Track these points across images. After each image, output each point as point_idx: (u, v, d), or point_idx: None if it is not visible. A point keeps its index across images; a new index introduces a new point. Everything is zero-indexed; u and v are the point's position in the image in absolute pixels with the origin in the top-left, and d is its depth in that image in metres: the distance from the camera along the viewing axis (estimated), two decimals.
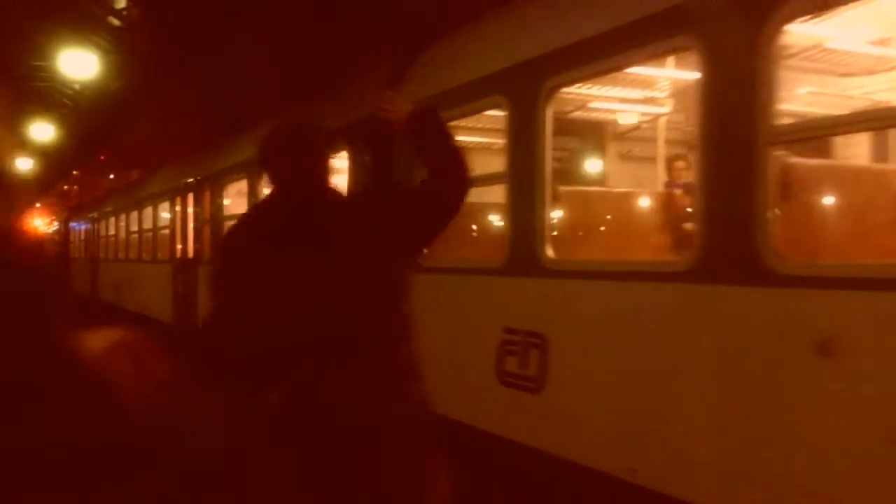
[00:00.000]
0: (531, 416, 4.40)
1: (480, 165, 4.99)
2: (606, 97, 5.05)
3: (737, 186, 3.21)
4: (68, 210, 29.69)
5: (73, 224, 23.95)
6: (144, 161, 27.19)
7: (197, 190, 10.35)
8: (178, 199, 11.14)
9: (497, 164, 4.58)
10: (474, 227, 5.52)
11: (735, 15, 3.22)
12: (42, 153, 35.66)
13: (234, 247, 2.65)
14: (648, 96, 4.98)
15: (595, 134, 5.77)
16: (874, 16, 3.68)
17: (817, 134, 3.48)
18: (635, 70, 4.33)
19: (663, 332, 3.61)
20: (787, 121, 3.46)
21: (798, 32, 3.66)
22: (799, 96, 4.22)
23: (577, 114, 5.43)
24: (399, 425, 2.49)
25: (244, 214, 3.09)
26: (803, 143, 4.10)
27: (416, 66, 5.33)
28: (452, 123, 5.40)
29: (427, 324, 5.27)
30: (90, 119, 33.99)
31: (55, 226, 30.12)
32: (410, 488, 2.51)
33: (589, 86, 4.77)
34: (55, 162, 37.07)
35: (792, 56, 3.87)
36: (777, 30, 3.08)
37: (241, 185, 8.63)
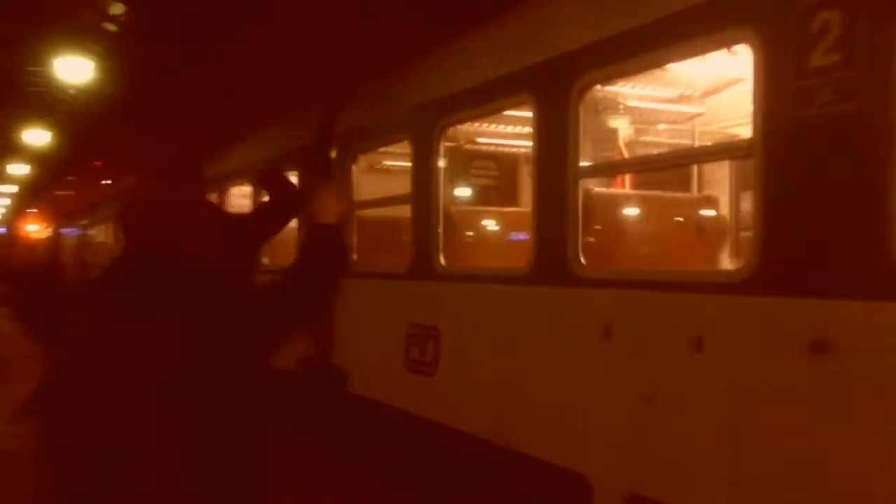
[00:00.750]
0: (427, 394, 5.63)
1: (397, 186, 6.25)
2: (496, 133, 6.28)
3: (554, 211, 4.44)
4: (62, 216, 31.01)
5: (65, 231, 25.35)
6: (139, 167, 28.39)
7: None
8: None
9: (403, 185, 5.84)
10: (390, 238, 6.78)
11: (553, 79, 4.46)
12: (37, 159, 36.93)
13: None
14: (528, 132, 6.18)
15: (510, 159, 7.00)
16: (670, 79, 4.90)
17: (613, 173, 4.70)
18: (513, 112, 5.55)
19: (513, 322, 4.85)
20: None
21: (606, 92, 4.87)
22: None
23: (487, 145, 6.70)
24: None
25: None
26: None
27: (349, 104, 6.61)
28: (381, 149, 6.68)
29: (356, 321, 6.55)
30: (85, 125, 35.30)
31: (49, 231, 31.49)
32: None
33: (477, 124, 6.01)
34: (50, 168, 38.34)
35: (603, 110, 5.08)
36: (581, 93, 4.32)
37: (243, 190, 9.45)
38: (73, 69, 24.57)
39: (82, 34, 28.54)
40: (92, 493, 2.23)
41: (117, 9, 30.79)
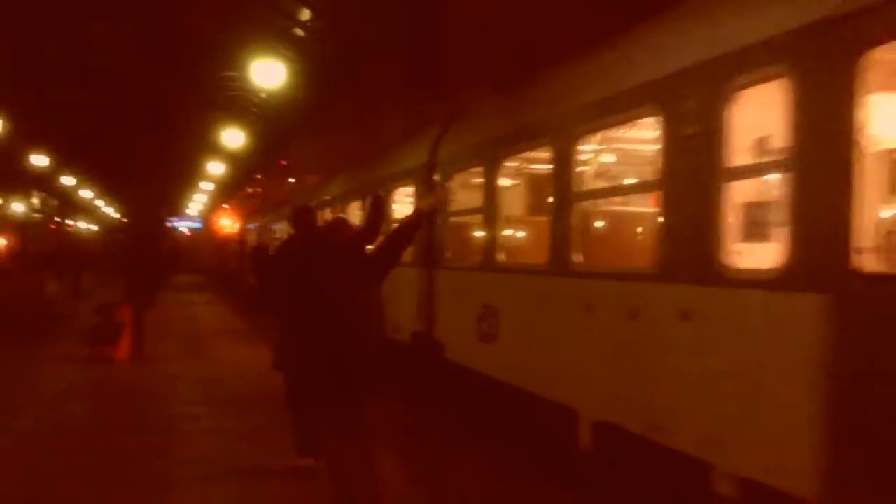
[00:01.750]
0: (491, 357, 7.93)
1: (475, 199, 8.56)
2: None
3: (561, 223, 6.63)
4: (250, 212, 35.32)
5: (251, 226, 29.52)
6: (322, 167, 32.01)
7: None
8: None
9: (478, 200, 8.19)
10: (468, 240, 9.13)
11: (557, 133, 6.64)
12: (232, 158, 41.85)
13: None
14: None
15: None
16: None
17: (599, 195, 6.80)
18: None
19: (538, 300, 7.07)
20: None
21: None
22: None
23: None
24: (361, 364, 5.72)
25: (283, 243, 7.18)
26: None
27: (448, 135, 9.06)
28: (470, 170, 8.99)
29: (448, 304, 8.99)
30: (274, 126, 39.71)
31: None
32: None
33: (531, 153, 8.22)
34: (242, 167, 43.24)
35: (593, 155, 7.12)
36: (576, 139, 6.48)
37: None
38: (266, 73, 27.98)
39: (274, 39, 32.22)
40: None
41: (305, 14, 34.43)
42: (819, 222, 4.21)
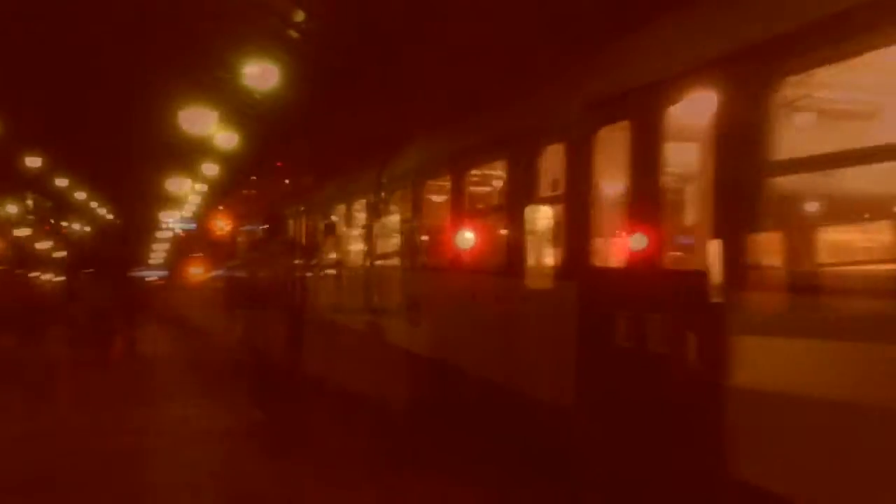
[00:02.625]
0: (415, 337, 10.96)
1: (405, 213, 11.62)
2: None
3: (455, 234, 9.65)
4: (244, 214, 37.82)
5: (247, 228, 32.22)
6: (317, 169, 34.34)
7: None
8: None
9: (408, 214, 11.25)
10: (401, 246, 12.27)
11: (449, 165, 9.67)
12: (226, 160, 44.52)
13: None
14: None
15: None
16: None
17: (478, 214, 9.89)
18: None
19: (444, 293, 10.10)
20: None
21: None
22: None
23: None
24: None
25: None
26: None
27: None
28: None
29: (389, 297, 12.19)
30: (269, 128, 42.21)
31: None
32: None
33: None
34: (237, 168, 45.95)
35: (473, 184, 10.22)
36: (465, 174, 9.52)
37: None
38: (260, 75, 30.11)
39: (268, 40, 34.16)
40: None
41: (299, 16, 36.40)
42: (573, 236, 7.23)
